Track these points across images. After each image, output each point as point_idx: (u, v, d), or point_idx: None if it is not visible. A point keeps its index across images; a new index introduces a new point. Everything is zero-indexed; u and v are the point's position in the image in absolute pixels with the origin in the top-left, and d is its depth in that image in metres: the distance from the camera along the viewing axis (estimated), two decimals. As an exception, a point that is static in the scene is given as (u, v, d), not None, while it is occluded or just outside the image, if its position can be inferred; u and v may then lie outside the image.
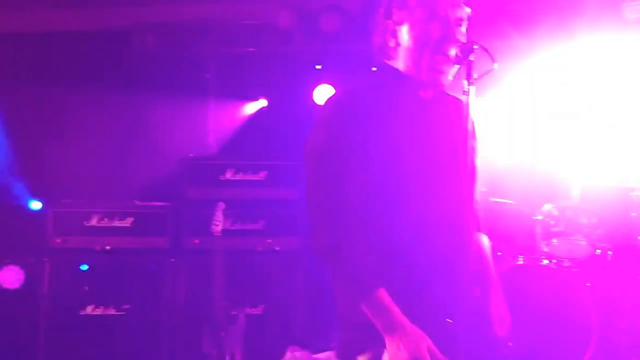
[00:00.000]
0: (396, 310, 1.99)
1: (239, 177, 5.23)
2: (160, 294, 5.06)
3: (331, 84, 5.91)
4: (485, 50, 2.04)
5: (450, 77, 2.14)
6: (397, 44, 2.17)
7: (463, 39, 2.11)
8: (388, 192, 2.08)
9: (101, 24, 6.03)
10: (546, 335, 4.59)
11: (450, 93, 2.31)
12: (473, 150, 2.07)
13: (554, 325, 4.59)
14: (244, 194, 5.22)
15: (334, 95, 2.20)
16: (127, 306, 5.02)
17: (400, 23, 2.15)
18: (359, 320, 2.04)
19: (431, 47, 2.10)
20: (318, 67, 6.04)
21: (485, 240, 2.38)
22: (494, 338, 2.22)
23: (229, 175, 5.22)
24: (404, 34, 2.15)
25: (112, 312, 5.01)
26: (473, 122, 2.09)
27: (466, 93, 2.03)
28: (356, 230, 2.03)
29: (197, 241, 5.11)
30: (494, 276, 2.29)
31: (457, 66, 2.13)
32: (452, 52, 2.07)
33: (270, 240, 5.18)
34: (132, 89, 5.93)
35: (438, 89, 2.18)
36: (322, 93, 5.87)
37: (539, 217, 4.88)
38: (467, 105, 2.03)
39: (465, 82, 2.03)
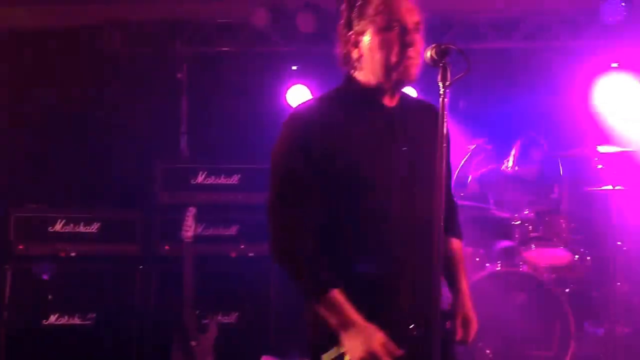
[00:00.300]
0: (350, 308, 2.08)
1: (211, 180, 5.09)
2: (128, 302, 4.88)
3: (306, 85, 5.82)
4: (461, 52, 2.07)
5: (414, 79, 2.19)
6: (360, 54, 2.22)
7: (421, 43, 2.16)
8: (352, 200, 2.15)
9: (68, 22, 5.86)
10: (525, 340, 4.53)
11: (418, 99, 2.41)
12: (444, 154, 2.06)
13: (533, 331, 4.54)
14: (216, 198, 5.07)
15: (295, 108, 2.28)
16: (93, 315, 4.85)
17: (362, 33, 2.20)
18: (320, 320, 2.13)
19: (393, 53, 2.15)
20: (294, 67, 5.93)
21: (456, 245, 2.42)
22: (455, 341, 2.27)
23: (200, 178, 5.08)
24: (366, 43, 2.20)
25: (77, 321, 4.83)
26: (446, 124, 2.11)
27: (442, 95, 2.05)
28: (307, 235, 2.14)
29: (167, 247, 4.96)
30: (462, 282, 2.34)
31: (417, 68, 2.17)
32: (413, 55, 2.14)
33: (243, 246, 5.05)
34: (100, 90, 5.77)
35: (403, 86, 2.24)
36: (295, 94, 5.77)
37: (517, 222, 4.83)
38: (443, 107, 2.05)
39: (440, 85, 2.06)
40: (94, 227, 4.98)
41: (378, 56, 2.16)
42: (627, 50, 5.56)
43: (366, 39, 2.18)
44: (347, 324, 2.07)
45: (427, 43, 2.14)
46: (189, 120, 5.88)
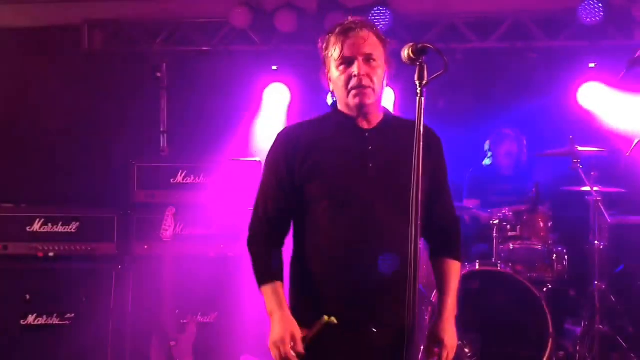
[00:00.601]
0: (279, 300, 2.43)
1: (190, 180, 5.05)
2: (106, 302, 4.83)
3: (285, 84, 5.82)
4: (438, 52, 2.14)
5: (370, 101, 2.45)
6: (332, 89, 2.55)
7: (377, 70, 2.43)
8: (320, 209, 2.43)
9: (47, 21, 5.82)
10: (503, 338, 4.55)
11: (405, 119, 2.57)
12: (419, 157, 2.16)
13: (511, 329, 4.55)
14: (196, 197, 5.04)
15: (281, 131, 2.61)
16: (71, 315, 4.80)
17: (329, 70, 2.52)
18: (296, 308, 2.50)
19: (348, 85, 2.44)
20: (274, 67, 5.92)
21: (448, 267, 2.57)
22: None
23: (180, 178, 5.04)
24: (333, 78, 2.51)
25: (56, 321, 4.78)
26: (426, 133, 2.25)
27: (418, 94, 2.13)
28: (275, 232, 2.54)
29: (146, 247, 4.93)
30: (446, 307, 2.51)
31: (370, 95, 2.43)
32: (366, 83, 2.41)
33: (223, 246, 5.01)
34: (79, 89, 5.72)
35: (363, 110, 2.48)
36: (273, 92, 5.77)
37: (496, 222, 4.86)
38: (420, 106, 2.14)
39: (417, 84, 2.14)
40: (73, 227, 4.93)
41: (339, 87, 2.48)
42: (605, 51, 5.63)
43: (332, 74, 2.51)
44: (272, 312, 2.43)
45: (408, 43, 2.21)
46: (168, 119, 5.85)
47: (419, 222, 2.13)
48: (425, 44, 2.16)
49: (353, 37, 2.43)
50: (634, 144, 4.93)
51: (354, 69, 2.41)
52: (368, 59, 2.42)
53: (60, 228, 4.90)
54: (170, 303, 4.55)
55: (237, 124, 5.77)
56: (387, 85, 2.53)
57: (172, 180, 5.02)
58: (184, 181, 5.03)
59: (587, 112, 5.73)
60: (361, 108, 2.45)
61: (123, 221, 4.99)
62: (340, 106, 2.52)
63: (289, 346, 2.33)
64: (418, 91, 2.14)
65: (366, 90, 2.41)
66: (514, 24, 5.67)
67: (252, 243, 2.54)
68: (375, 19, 5.37)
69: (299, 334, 2.37)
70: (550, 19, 5.67)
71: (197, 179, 5.05)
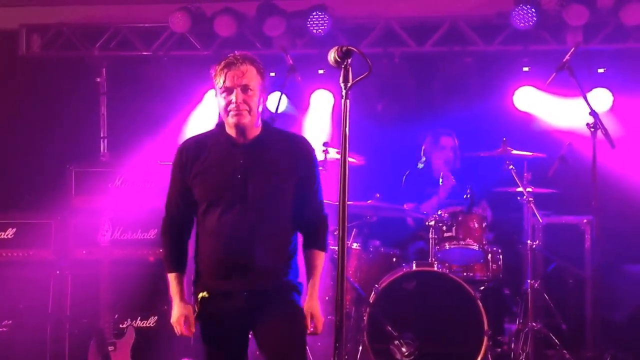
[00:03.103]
0: (178, 289, 3.07)
1: (129, 184, 5.02)
2: (44, 307, 4.79)
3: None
4: (362, 55, 2.25)
5: (245, 121, 2.95)
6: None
7: (253, 98, 2.92)
8: (203, 210, 3.02)
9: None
10: (440, 338, 4.63)
11: (286, 133, 3.15)
12: (345, 153, 2.42)
13: (448, 329, 4.65)
14: (134, 202, 5.01)
15: (187, 138, 3.17)
16: (8, 322, 4.75)
17: (216, 95, 3.01)
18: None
19: (225, 110, 2.94)
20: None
21: (315, 257, 3.10)
22: None
23: (118, 183, 5.01)
24: (217, 101, 3.01)
25: (-7, 328, 4.73)
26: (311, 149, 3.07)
27: (343, 97, 2.23)
28: (172, 231, 3.14)
29: (84, 252, 4.88)
30: (314, 288, 3.08)
31: (245, 116, 2.92)
32: (241, 108, 2.90)
33: (161, 250, 4.96)
34: (16, 94, 5.65)
35: (239, 128, 2.98)
36: (213, 97, 5.76)
37: (432, 223, 4.94)
38: (345, 108, 2.24)
39: (342, 86, 2.24)
40: (9, 233, 4.89)
41: (221, 110, 2.96)
42: (538, 55, 5.79)
43: (217, 99, 3.00)
44: (174, 298, 3.07)
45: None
46: (108, 125, 5.81)
47: (345, 224, 2.43)
48: (350, 47, 2.27)
49: (233, 70, 2.93)
50: (566, 146, 5.11)
51: (232, 97, 2.92)
52: (245, 89, 2.92)
53: (-4, 234, 4.85)
54: (108, 308, 4.54)
55: (178, 129, 5.76)
56: (263, 108, 3.04)
57: (110, 185, 4.99)
58: (122, 186, 5.00)
59: (521, 115, 5.88)
60: (238, 126, 2.96)
61: (60, 226, 4.95)
62: (224, 124, 3.02)
63: (183, 325, 3.02)
64: (343, 93, 2.25)
65: (242, 112, 2.91)
66: (451, 29, 5.80)
67: (162, 234, 3.16)
68: (313, 23, 5.44)
69: (191, 316, 3.03)
70: (486, 24, 5.81)
71: (135, 183, 5.02)
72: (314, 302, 3.10)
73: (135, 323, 4.81)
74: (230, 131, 2.99)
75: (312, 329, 3.07)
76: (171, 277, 3.09)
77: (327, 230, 3.20)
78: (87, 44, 5.86)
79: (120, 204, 4.90)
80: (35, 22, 5.79)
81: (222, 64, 2.96)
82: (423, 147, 5.60)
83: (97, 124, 5.80)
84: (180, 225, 3.12)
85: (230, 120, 2.94)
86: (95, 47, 5.84)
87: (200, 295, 3.01)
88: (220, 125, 3.05)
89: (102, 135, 5.80)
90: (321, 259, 3.14)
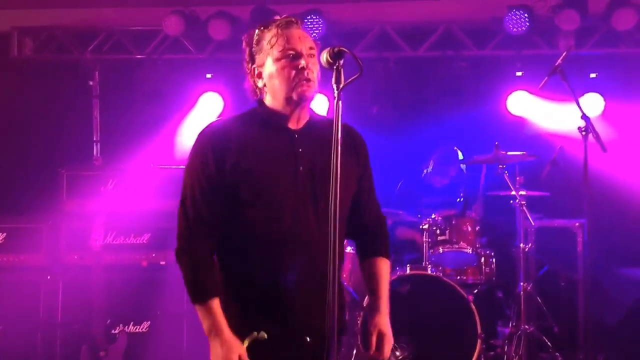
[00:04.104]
0: (221, 318, 2.30)
1: (121, 188, 4.99)
2: (35, 313, 4.76)
3: (219, 92, 5.81)
4: (354, 56, 2.12)
5: (312, 95, 2.38)
6: (264, 84, 2.41)
7: (316, 66, 2.35)
8: (249, 215, 2.33)
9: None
10: (434, 341, 4.62)
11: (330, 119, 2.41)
12: (338, 159, 2.11)
13: (442, 332, 4.64)
14: (127, 206, 4.98)
15: (209, 123, 2.45)
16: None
17: (262, 65, 2.39)
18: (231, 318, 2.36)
19: (289, 79, 2.33)
20: (208, 76, 5.91)
21: (379, 265, 2.53)
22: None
23: (110, 187, 4.98)
24: (266, 73, 2.38)
25: (-18, 334, 4.68)
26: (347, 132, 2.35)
27: (336, 98, 2.12)
28: (203, 244, 2.35)
29: (76, 257, 4.85)
30: (381, 302, 2.48)
31: (316, 85, 2.37)
32: (309, 77, 2.33)
33: (155, 255, 4.97)
34: (8, 97, 5.61)
35: (305, 102, 2.39)
36: (207, 100, 5.76)
37: (426, 226, 4.95)
38: (338, 109, 2.11)
39: (335, 87, 2.13)
40: (0, 237, 4.85)
41: (277, 83, 2.35)
42: (531, 60, 5.81)
43: (266, 69, 2.37)
44: (214, 332, 2.30)
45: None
46: (101, 128, 5.78)
47: (337, 226, 2.09)
48: (342, 48, 2.15)
49: (295, 29, 2.36)
50: (558, 149, 5.13)
51: (302, 62, 2.31)
52: (312, 54, 2.35)
53: (-13, 239, 4.81)
54: (100, 313, 4.50)
55: (171, 133, 5.74)
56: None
57: (102, 189, 4.95)
58: (115, 190, 4.97)
59: (514, 119, 5.90)
60: (303, 101, 2.35)
61: (52, 231, 4.92)
62: (272, 103, 2.39)
63: None
64: (335, 94, 2.13)
65: (310, 83, 2.33)
66: (445, 34, 5.83)
67: (183, 254, 2.34)
68: (309, 27, 5.44)
69: (245, 357, 2.26)
70: (479, 29, 5.84)
71: (128, 187, 5.00)
72: (386, 318, 2.46)
73: (127, 328, 4.79)
74: (283, 111, 2.36)
75: (375, 351, 2.41)
76: (206, 307, 2.29)
77: (388, 235, 2.63)
78: (79, 47, 5.83)
79: (113, 208, 4.85)
80: (28, 24, 5.74)
81: (278, 23, 2.35)
82: (434, 157, 5.55)
83: (90, 127, 5.76)
84: (213, 233, 2.34)
85: (298, 91, 2.30)
86: (88, 50, 5.81)
87: (257, 334, 2.28)
88: (261, 106, 2.41)
89: (95, 139, 5.77)
90: (387, 268, 2.55)
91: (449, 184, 5.52)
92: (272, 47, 2.34)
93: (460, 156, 5.52)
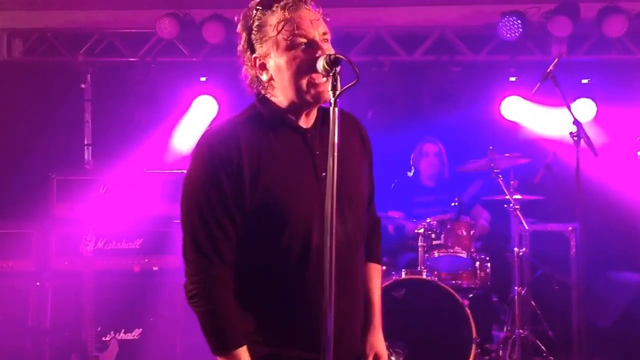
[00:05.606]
0: None
1: (112, 193, 4.92)
2: (24, 319, 4.67)
3: (213, 95, 5.78)
4: (350, 62, 1.90)
5: (328, 98, 1.96)
6: (270, 77, 2.04)
7: (332, 51, 1.99)
8: (270, 232, 1.98)
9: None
10: (429, 346, 4.59)
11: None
12: (335, 162, 1.86)
13: (437, 336, 4.61)
14: (118, 211, 4.91)
15: (209, 130, 2.07)
16: (-13, 334, 4.62)
17: (267, 55, 2.02)
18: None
19: (303, 71, 1.97)
20: (203, 79, 5.88)
21: (374, 272, 2.27)
22: None
23: (101, 191, 4.91)
24: (273, 65, 2.01)
25: (-29, 341, 4.59)
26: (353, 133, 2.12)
27: (332, 105, 1.91)
28: (226, 287, 1.98)
29: (66, 262, 4.78)
30: (375, 315, 2.22)
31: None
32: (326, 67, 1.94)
33: (147, 260, 4.91)
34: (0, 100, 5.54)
35: (320, 104, 2.06)
36: (202, 104, 5.72)
37: (421, 231, 4.94)
38: (334, 116, 1.90)
39: (331, 94, 1.92)
40: (-12, 243, 4.78)
41: (288, 77, 1.98)
42: (524, 65, 5.83)
43: (272, 60, 2.00)
44: None
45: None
46: (93, 132, 5.72)
47: (334, 240, 1.84)
48: (338, 55, 1.90)
49: (305, 11, 1.96)
50: (551, 154, 5.14)
51: (318, 53, 1.94)
52: (326, 39, 1.99)
53: (-25, 244, 4.73)
54: (91, 320, 4.41)
55: (165, 137, 5.70)
56: None
57: (93, 193, 4.88)
58: (107, 194, 4.90)
59: (508, 124, 5.92)
60: (319, 102, 2.01)
61: (41, 236, 4.83)
62: (278, 98, 2.04)
63: None
64: (332, 101, 1.88)
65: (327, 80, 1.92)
66: (439, 39, 5.86)
67: (202, 302, 1.96)
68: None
69: None
70: (473, 34, 5.87)
71: (119, 192, 4.92)
72: (380, 335, 2.19)
73: (118, 336, 4.71)
74: (294, 107, 2.02)
75: None
76: (237, 356, 1.97)
77: (381, 235, 2.35)
78: (71, 49, 5.76)
79: (104, 213, 4.77)
80: (18, 26, 5.68)
81: (283, 3, 1.97)
82: (412, 156, 5.61)
83: (82, 131, 5.70)
84: (230, 272, 1.99)
85: (312, 93, 1.96)
86: (80, 53, 5.73)
87: None
88: (263, 104, 2.05)
89: (86, 143, 5.70)
90: (379, 273, 2.27)
91: (437, 179, 5.49)
92: (278, 34, 1.95)
93: (437, 148, 5.50)
